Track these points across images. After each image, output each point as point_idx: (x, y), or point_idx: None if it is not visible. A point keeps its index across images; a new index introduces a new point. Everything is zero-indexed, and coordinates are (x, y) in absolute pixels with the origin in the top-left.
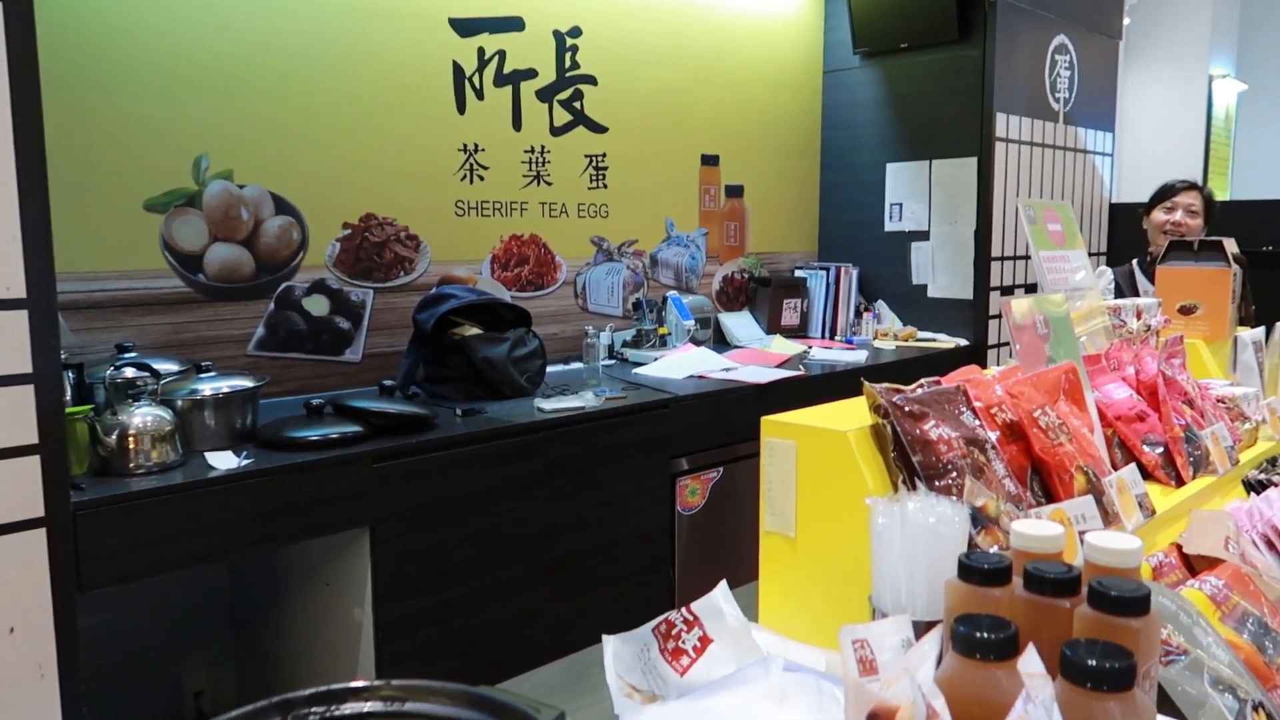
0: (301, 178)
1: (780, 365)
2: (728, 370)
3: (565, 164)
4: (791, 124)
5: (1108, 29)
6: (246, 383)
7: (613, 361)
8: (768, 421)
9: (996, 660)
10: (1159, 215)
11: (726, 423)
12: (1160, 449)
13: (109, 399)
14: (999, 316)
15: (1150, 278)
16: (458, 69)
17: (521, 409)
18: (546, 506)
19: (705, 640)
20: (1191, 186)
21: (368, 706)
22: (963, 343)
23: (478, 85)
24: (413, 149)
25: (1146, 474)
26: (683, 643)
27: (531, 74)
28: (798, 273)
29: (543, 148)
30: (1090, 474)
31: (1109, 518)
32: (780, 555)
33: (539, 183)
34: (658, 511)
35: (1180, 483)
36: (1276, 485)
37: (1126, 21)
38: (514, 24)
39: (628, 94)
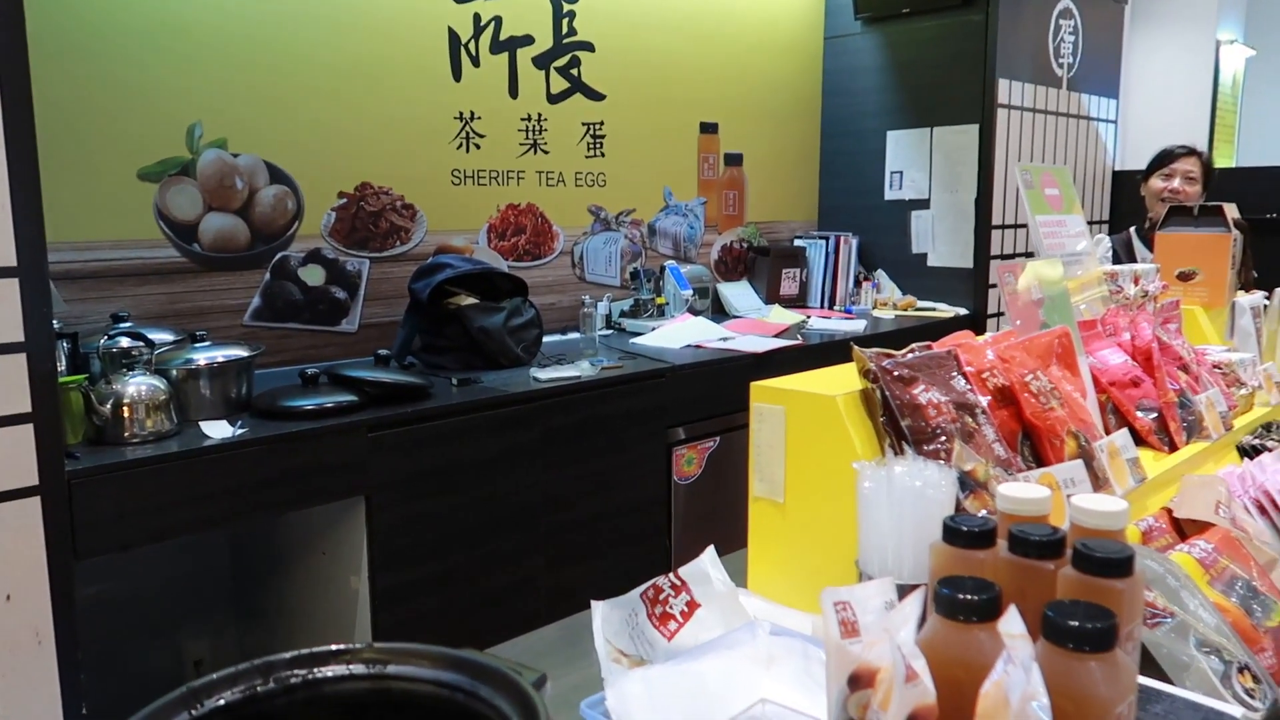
0: (296, 146)
1: (778, 335)
2: (725, 340)
3: (562, 132)
4: (791, 91)
5: None
6: (241, 352)
7: (610, 331)
8: (757, 387)
9: (979, 622)
10: (1156, 182)
11: (723, 392)
12: (1154, 414)
13: (104, 369)
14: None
15: (1148, 245)
16: (453, 35)
17: (518, 378)
18: (542, 476)
19: (692, 605)
20: (1191, 152)
21: (350, 669)
22: (962, 312)
23: (474, 52)
24: (408, 117)
25: (1140, 439)
26: (670, 608)
27: (528, 40)
28: (797, 242)
29: (540, 115)
30: (1081, 439)
31: (1099, 482)
32: (769, 520)
33: (536, 151)
34: (654, 481)
35: (1173, 448)
36: (1270, 450)
37: None
38: None
39: (626, 61)
